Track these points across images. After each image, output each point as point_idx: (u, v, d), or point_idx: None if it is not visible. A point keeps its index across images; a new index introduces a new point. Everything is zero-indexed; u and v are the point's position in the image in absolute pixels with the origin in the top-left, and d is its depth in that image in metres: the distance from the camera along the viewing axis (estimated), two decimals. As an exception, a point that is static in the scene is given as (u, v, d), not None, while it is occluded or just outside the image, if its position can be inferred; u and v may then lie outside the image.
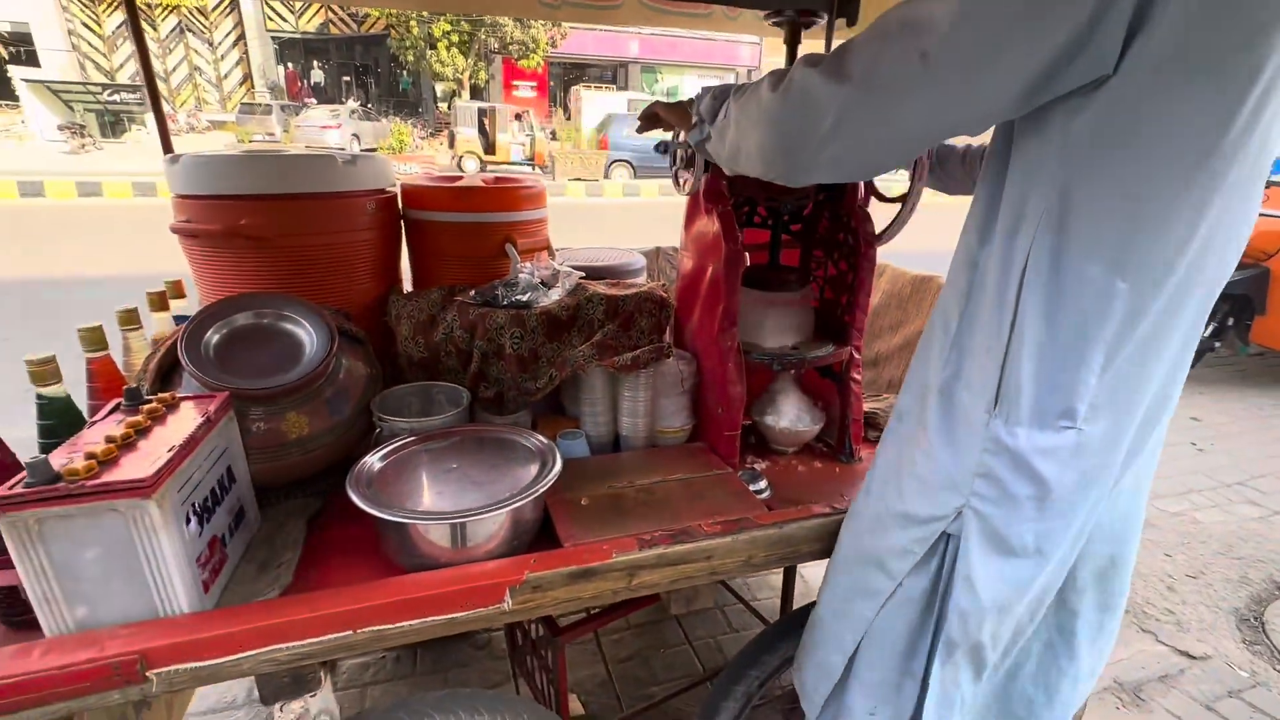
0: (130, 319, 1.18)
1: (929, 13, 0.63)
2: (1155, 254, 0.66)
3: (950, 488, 0.81)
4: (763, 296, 1.26)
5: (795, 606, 1.56)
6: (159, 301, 1.31)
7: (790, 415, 1.34)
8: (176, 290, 1.39)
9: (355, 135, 16.39)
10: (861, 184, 1.26)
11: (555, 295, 1.35)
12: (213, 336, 1.06)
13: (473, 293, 1.38)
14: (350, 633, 0.83)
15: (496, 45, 19.08)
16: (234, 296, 1.11)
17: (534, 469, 1.01)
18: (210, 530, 0.88)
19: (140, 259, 6.38)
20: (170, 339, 1.13)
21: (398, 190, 1.50)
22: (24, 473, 0.73)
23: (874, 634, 0.92)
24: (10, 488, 0.71)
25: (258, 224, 1.23)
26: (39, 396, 0.91)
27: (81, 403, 1.02)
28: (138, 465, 0.77)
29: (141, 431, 0.85)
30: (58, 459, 0.76)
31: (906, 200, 1.18)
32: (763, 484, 1.20)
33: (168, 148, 1.56)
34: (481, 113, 15.44)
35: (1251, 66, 0.58)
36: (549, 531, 1.02)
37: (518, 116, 15.79)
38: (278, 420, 1.06)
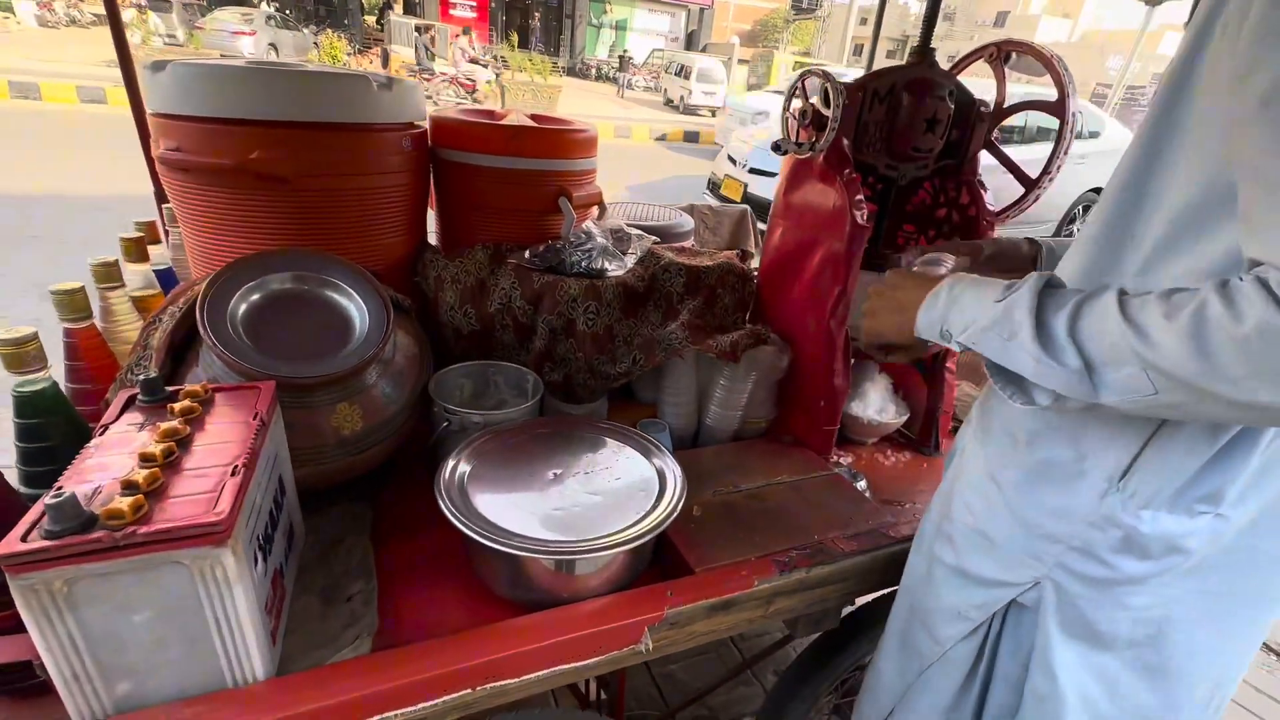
0: (110, 275, 0.92)
1: None
2: None
3: (1031, 555, 0.69)
4: (874, 279, 1.13)
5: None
6: (136, 250, 1.04)
7: (876, 405, 1.24)
8: (152, 235, 1.12)
9: (272, 45, 14.68)
10: (981, 158, 1.14)
11: (629, 262, 1.17)
12: (239, 305, 0.84)
13: (528, 254, 1.18)
14: (468, 691, 0.68)
15: (434, -46, 17.41)
16: (262, 254, 0.88)
17: (649, 479, 0.87)
18: (272, 563, 0.69)
19: (28, 177, 5.51)
20: (172, 304, 0.89)
21: (427, 126, 1.25)
22: (37, 514, 0.52)
23: (912, 697, 0.84)
24: (24, 538, 0.50)
25: (273, 158, 0.97)
26: (18, 389, 0.67)
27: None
28: (195, 497, 0.57)
29: (183, 443, 0.64)
30: (81, 489, 0.55)
31: (1041, 181, 1.07)
32: (863, 483, 1.10)
33: (123, 50, 1.24)
34: (419, 30, 14.14)
35: None
36: (657, 549, 0.89)
37: (459, 36, 14.58)
38: (326, 414, 0.85)
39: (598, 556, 0.73)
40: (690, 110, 17.32)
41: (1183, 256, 0.56)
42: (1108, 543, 0.64)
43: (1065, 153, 1.04)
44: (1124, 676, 0.66)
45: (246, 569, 0.59)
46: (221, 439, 0.66)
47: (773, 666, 1.83)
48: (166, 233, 1.25)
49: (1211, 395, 0.48)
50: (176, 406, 0.68)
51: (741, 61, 21.26)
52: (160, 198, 1.30)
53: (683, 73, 17.70)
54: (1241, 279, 0.46)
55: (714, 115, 17.31)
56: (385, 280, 1.11)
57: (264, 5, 17.23)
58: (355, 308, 0.91)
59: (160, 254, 1.14)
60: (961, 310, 0.66)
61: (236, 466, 0.61)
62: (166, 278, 1.13)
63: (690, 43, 26.34)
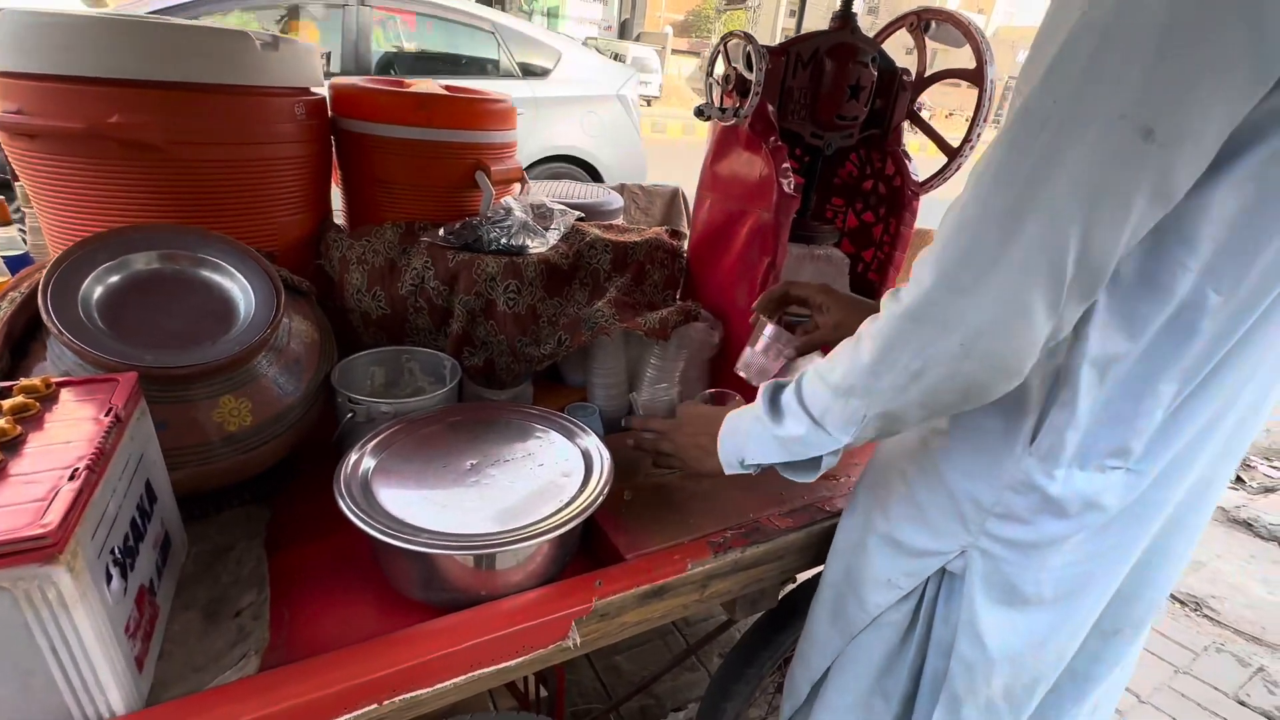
0: (-63, 257, 0.79)
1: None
2: (1256, 259, 0.51)
3: (958, 521, 0.69)
4: (804, 251, 1.11)
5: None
6: (-24, 231, 0.90)
7: (810, 381, 1.23)
8: (0, 215, 0.98)
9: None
10: (905, 128, 1.13)
11: (552, 238, 1.11)
12: (94, 288, 0.73)
13: (442, 232, 1.10)
14: (375, 705, 0.61)
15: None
16: (121, 230, 0.77)
17: (574, 464, 0.81)
18: (136, 579, 0.60)
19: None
20: (14, 289, 0.77)
21: (326, 92, 1.15)
22: None
23: (844, 661, 0.84)
24: None
25: (137, 124, 0.86)
26: None
27: None
28: (18, 507, 0.48)
29: (10, 445, 0.55)
30: None
31: (962, 150, 1.07)
32: (798, 460, 1.08)
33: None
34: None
35: None
36: (586, 536, 0.84)
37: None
38: (207, 408, 0.76)
39: (517, 549, 0.68)
40: (625, 99, 17.16)
41: None
42: (1028, 504, 0.64)
43: (986, 121, 1.04)
44: (1050, 634, 0.66)
45: (91, 588, 0.50)
46: (63, 439, 0.57)
47: (717, 650, 1.82)
48: (22, 214, 1.10)
49: (880, 393, 0.58)
50: (6, 404, 0.58)
51: (677, 52, 21.26)
52: (12, 174, 1.14)
53: (617, 61, 17.55)
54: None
55: (649, 105, 17.25)
56: (283, 262, 1.02)
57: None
58: (239, 290, 0.82)
59: (10, 237, 0.99)
60: (739, 437, 0.74)
61: (76, 470, 0.52)
62: (19, 264, 0.99)
63: (624, 31, 26.15)
